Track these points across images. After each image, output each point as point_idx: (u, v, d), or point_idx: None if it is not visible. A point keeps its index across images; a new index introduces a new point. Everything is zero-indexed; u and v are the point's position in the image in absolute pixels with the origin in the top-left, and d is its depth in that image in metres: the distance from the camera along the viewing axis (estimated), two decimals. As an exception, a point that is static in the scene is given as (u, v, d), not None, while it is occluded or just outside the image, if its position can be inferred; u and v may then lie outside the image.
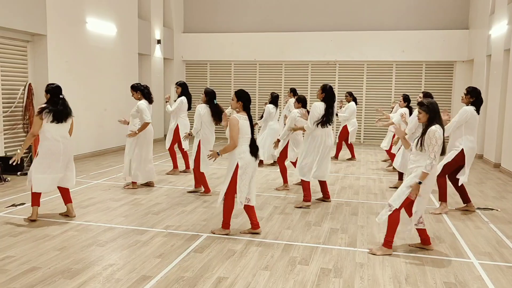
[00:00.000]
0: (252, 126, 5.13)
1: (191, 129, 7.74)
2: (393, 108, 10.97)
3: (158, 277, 4.06)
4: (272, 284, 3.96)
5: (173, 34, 15.43)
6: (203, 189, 7.24)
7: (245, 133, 5.06)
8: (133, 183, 7.53)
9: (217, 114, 6.93)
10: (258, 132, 9.57)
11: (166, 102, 8.85)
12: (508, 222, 6.01)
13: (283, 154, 7.61)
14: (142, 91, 7.45)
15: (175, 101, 8.82)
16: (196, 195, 7.15)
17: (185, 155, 8.91)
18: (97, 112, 11.12)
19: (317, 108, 6.31)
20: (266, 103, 9.40)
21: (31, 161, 9.12)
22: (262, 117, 9.25)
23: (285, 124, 7.56)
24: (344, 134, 10.96)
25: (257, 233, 5.28)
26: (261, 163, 9.62)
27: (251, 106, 5.24)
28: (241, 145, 5.05)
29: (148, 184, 7.72)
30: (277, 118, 9.55)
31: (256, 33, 15.17)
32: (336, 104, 6.72)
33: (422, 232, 4.84)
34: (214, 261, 4.46)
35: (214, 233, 5.26)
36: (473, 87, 6.35)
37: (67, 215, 5.87)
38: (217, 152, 5.19)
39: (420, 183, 4.48)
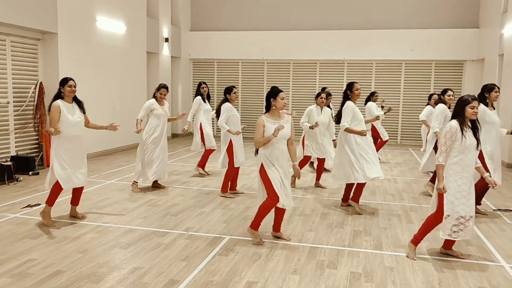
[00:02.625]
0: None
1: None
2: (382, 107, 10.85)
3: (187, 281, 3.98)
4: (304, 289, 3.89)
5: (181, 32, 15.33)
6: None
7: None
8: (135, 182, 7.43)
9: None
10: None
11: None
12: (531, 224, 5.93)
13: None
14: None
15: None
16: (213, 195, 7.07)
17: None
18: (107, 110, 11.02)
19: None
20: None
21: (42, 160, 9.06)
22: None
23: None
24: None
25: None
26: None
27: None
28: None
29: (157, 185, 7.60)
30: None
31: (264, 32, 15.08)
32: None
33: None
34: (241, 264, 4.38)
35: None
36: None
37: (74, 216, 5.80)
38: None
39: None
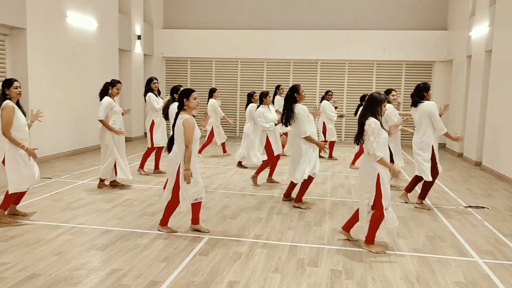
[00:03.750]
0: None
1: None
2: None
3: (168, 282, 3.92)
4: (286, 287, 3.89)
5: (153, 29, 15.11)
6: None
7: None
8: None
9: None
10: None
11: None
12: (501, 220, 6.14)
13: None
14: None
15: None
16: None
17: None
18: (78, 109, 10.75)
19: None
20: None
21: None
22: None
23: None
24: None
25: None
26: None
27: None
28: None
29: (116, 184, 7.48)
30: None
31: (238, 30, 15.03)
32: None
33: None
34: (222, 264, 4.35)
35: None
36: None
37: (17, 214, 5.68)
38: None
39: None
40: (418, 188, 6.84)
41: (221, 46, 15.14)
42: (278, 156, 7.93)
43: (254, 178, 7.83)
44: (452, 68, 13.46)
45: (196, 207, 5.19)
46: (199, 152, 9.91)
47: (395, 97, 7.56)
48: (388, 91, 7.59)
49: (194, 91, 4.98)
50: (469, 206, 6.77)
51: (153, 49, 15.22)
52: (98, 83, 11.58)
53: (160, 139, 8.45)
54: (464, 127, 11.87)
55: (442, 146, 12.72)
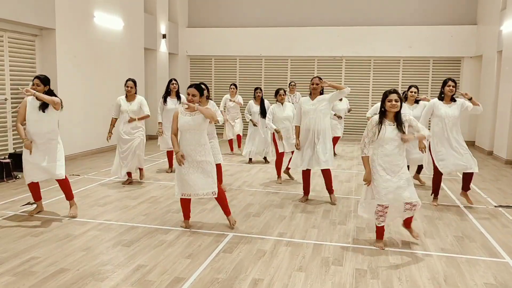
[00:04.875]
0: None
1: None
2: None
3: (192, 279, 3.95)
4: (310, 286, 3.87)
5: (178, 28, 15.25)
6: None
7: None
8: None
9: None
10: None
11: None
12: (533, 220, 5.95)
13: None
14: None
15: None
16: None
17: None
18: (105, 107, 10.92)
19: None
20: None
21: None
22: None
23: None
24: None
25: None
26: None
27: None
28: None
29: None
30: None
31: (261, 28, 15.02)
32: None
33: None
34: (246, 261, 4.36)
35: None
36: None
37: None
38: None
39: None
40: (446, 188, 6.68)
41: (245, 44, 15.15)
42: (283, 154, 7.91)
43: (287, 172, 8.01)
44: (482, 64, 13.09)
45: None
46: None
47: (413, 93, 7.34)
48: (408, 87, 7.44)
49: (190, 86, 5.09)
50: (500, 206, 6.58)
51: (178, 47, 15.36)
52: (124, 82, 11.80)
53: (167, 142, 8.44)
54: (494, 124, 11.54)
55: (471, 144, 12.39)
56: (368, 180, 4.70)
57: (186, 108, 5.00)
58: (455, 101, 6.36)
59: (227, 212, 5.34)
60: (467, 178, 6.49)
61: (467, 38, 13.80)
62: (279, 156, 7.91)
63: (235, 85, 11.00)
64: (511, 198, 7.12)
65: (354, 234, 5.24)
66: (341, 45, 14.54)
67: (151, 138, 14.82)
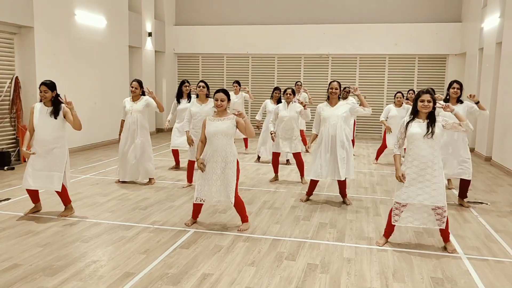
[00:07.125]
0: None
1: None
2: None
3: (142, 274, 3.99)
4: (258, 280, 3.91)
5: (165, 26, 15.27)
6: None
7: None
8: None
9: None
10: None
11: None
12: (497, 216, 5.99)
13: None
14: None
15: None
16: (187, 189, 7.10)
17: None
18: (87, 106, 10.98)
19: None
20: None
21: (18, 155, 9.02)
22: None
23: None
24: None
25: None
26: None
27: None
28: None
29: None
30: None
31: (249, 26, 15.05)
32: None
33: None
34: (200, 257, 4.40)
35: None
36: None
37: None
38: None
39: None
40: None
41: (232, 41, 15.18)
42: (278, 154, 7.86)
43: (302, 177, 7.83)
44: (465, 61, 13.12)
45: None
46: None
47: (399, 98, 7.32)
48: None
49: (217, 92, 5.12)
50: (468, 202, 6.62)
51: (165, 45, 15.39)
52: (107, 80, 11.86)
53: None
54: (475, 122, 11.56)
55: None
56: (397, 177, 4.66)
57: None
58: (461, 102, 6.21)
59: (242, 219, 5.29)
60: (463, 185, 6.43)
61: (452, 36, 13.84)
62: (275, 156, 7.86)
63: (238, 82, 10.92)
64: (481, 194, 7.16)
65: (315, 230, 5.28)
66: (327, 43, 14.56)
67: (159, 131, 14.98)
